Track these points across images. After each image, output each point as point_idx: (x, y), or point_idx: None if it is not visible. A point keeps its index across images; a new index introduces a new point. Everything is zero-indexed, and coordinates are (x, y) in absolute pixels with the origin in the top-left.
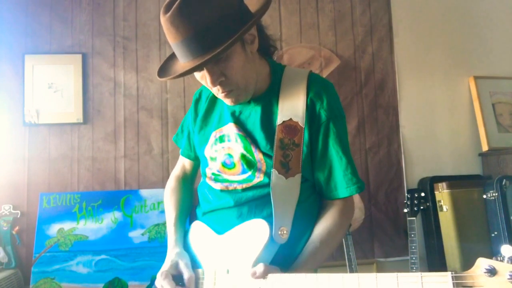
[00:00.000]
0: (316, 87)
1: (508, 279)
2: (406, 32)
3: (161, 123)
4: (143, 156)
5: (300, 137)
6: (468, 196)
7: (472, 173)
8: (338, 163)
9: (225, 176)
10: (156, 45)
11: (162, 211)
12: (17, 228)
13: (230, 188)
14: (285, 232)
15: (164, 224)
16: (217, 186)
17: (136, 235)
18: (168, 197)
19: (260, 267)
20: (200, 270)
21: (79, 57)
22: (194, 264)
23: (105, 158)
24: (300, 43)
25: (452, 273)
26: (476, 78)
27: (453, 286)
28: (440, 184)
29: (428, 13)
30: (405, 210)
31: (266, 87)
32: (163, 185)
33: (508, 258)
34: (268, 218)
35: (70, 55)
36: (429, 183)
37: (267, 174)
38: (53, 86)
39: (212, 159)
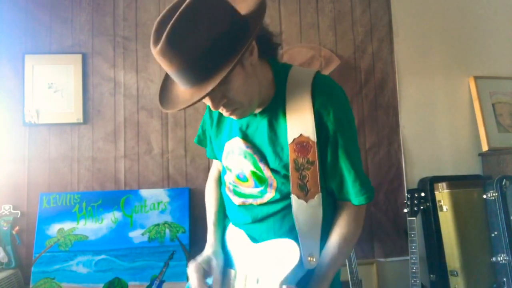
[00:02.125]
0: (321, 97)
1: None
2: (406, 32)
3: (161, 123)
4: (143, 156)
5: (314, 154)
6: (468, 196)
7: (472, 173)
8: (347, 176)
9: (241, 189)
10: None
11: (162, 211)
12: (17, 228)
13: (247, 203)
14: (314, 260)
15: (163, 224)
16: (235, 200)
17: (136, 235)
18: (208, 197)
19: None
20: (232, 271)
21: (79, 57)
22: (228, 263)
23: (105, 158)
24: (300, 43)
25: None
26: (476, 78)
27: None
28: (440, 184)
29: (428, 13)
30: (405, 210)
31: (272, 96)
32: (163, 185)
33: None
34: (289, 234)
35: (70, 55)
36: (429, 183)
37: (278, 190)
38: (53, 86)
39: (228, 169)
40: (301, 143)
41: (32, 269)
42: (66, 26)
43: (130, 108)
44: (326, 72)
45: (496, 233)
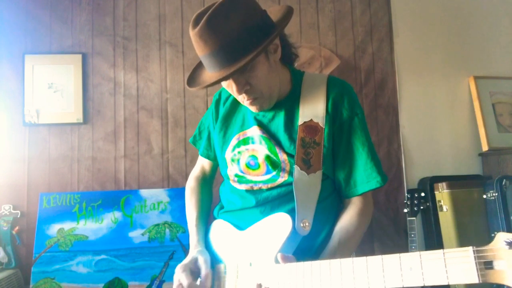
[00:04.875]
0: (337, 89)
1: None
2: (406, 32)
3: (161, 123)
4: (143, 156)
5: (320, 137)
6: (468, 196)
7: (472, 173)
8: (359, 159)
9: (249, 177)
10: (156, 45)
11: (162, 211)
12: (17, 228)
13: (255, 188)
14: (307, 224)
15: (163, 224)
16: (242, 187)
17: (136, 235)
18: (189, 197)
19: (290, 255)
20: (222, 265)
21: (79, 57)
22: (216, 261)
23: (105, 158)
24: (300, 43)
25: (473, 248)
26: (476, 78)
27: (475, 260)
28: (440, 184)
29: (428, 13)
30: (405, 210)
31: (288, 93)
32: (163, 185)
33: None
34: (290, 213)
35: (70, 55)
36: (429, 183)
37: (291, 174)
38: (53, 86)
39: (233, 160)
40: (310, 126)
41: (32, 269)
42: (66, 26)
43: (130, 108)
44: (326, 72)
45: (496, 233)
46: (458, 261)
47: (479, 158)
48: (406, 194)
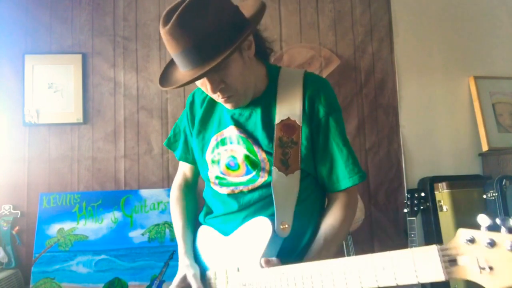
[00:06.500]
0: (313, 85)
1: (486, 244)
2: (406, 32)
3: (161, 123)
4: (143, 156)
5: (298, 135)
6: (468, 196)
7: (472, 173)
8: (339, 155)
9: (230, 179)
10: (156, 45)
11: (162, 211)
12: (17, 228)
13: (236, 191)
14: (286, 226)
15: (163, 224)
16: (223, 190)
17: (136, 235)
18: (174, 207)
19: (273, 259)
20: (212, 272)
21: (79, 57)
22: (205, 268)
23: (105, 158)
24: (300, 43)
25: (437, 246)
26: (476, 78)
27: (440, 258)
28: (440, 184)
29: (428, 13)
30: (405, 210)
31: (264, 89)
32: (163, 185)
33: (485, 227)
34: (272, 216)
35: (70, 55)
36: (429, 183)
37: (271, 173)
38: (53, 86)
39: (214, 162)
40: (287, 125)
41: (32, 269)
42: (66, 26)
43: (130, 108)
44: (326, 72)
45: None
46: (425, 260)
47: (479, 158)
48: (406, 194)
